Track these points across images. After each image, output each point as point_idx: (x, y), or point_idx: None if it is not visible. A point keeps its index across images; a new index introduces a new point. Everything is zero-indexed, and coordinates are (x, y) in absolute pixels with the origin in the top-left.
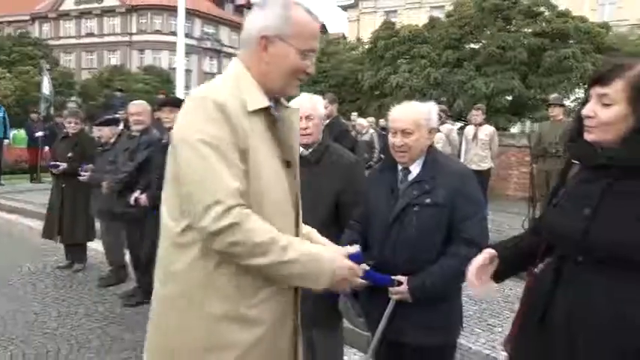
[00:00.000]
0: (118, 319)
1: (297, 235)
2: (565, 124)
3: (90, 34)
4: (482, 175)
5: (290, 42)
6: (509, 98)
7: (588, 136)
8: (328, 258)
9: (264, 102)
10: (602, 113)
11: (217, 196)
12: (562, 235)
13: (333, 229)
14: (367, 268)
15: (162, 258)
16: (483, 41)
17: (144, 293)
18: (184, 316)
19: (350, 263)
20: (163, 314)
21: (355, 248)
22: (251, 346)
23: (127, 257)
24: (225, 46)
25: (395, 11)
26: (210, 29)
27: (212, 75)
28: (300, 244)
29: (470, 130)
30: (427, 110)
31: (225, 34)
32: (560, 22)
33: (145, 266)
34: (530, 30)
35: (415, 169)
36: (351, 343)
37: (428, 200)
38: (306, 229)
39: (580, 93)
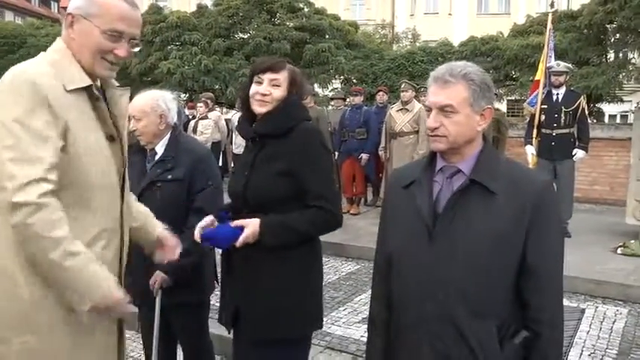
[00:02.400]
0: None
1: (122, 208)
2: None
3: None
4: None
5: (93, 21)
6: None
7: (260, 110)
8: (99, 284)
9: (83, 81)
10: (275, 93)
11: (32, 171)
12: (233, 193)
13: None
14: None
15: None
16: (251, 32)
17: None
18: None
19: (118, 296)
20: None
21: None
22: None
23: None
24: None
25: None
26: None
27: None
28: (85, 259)
29: (237, 117)
30: (154, 98)
31: None
32: (317, 19)
33: None
34: (292, 24)
35: (160, 150)
36: None
37: (170, 176)
38: (142, 208)
39: (336, 83)
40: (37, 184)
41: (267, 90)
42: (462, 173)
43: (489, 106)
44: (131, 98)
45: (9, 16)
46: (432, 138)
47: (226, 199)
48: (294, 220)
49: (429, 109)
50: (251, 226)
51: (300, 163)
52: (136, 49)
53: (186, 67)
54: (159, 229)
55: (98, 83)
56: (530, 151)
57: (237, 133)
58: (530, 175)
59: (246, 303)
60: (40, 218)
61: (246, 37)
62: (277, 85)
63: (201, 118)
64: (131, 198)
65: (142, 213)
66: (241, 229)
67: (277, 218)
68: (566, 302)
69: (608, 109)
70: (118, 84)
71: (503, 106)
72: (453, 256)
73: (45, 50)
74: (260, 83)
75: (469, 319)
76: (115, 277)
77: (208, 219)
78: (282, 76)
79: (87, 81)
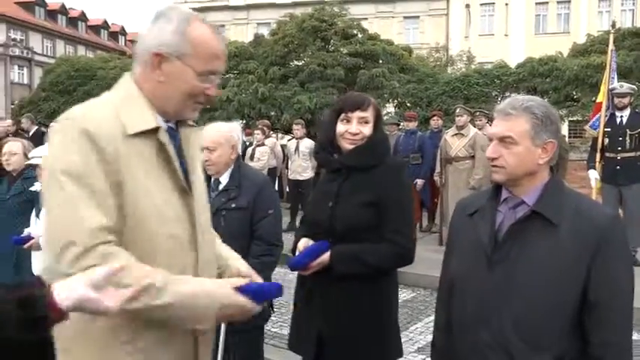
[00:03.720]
0: None
1: (197, 261)
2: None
3: None
4: (305, 184)
5: (187, 62)
6: None
7: (349, 147)
8: (210, 297)
9: (148, 123)
10: (365, 130)
11: (73, 236)
12: (316, 222)
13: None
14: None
15: None
16: (306, 59)
17: None
18: None
19: (241, 301)
20: None
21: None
22: None
23: None
24: (38, 54)
25: (223, 26)
26: (18, 35)
27: (21, 85)
28: (177, 284)
29: (292, 143)
30: (227, 129)
31: (36, 40)
32: (371, 45)
33: None
34: (346, 50)
35: (224, 180)
36: None
37: (234, 205)
38: (229, 255)
39: (390, 108)
40: (96, 246)
41: (357, 129)
42: (525, 204)
43: (552, 140)
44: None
45: (81, 50)
46: (492, 168)
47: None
48: (365, 252)
49: (490, 140)
50: (322, 258)
51: (387, 197)
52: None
53: (243, 95)
54: (243, 268)
55: (172, 124)
56: (594, 175)
57: (292, 159)
58: (597, 209)
59: (330, 333)
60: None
61: (300, 64)
62: (366, 122)
63: (258, 145)
64: (218, 247)
65: (222, 258)
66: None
67: (349, 248)
68: (636, 336)
69: None
70: (191, 122)
71: (564, 128)
72: (509, 286)
73: (113, 82)
74: (349, 121)
75: (523, 350)
76: (190, 350)
77: (304, 241)
78: (370, 113)
79: (151, 123)
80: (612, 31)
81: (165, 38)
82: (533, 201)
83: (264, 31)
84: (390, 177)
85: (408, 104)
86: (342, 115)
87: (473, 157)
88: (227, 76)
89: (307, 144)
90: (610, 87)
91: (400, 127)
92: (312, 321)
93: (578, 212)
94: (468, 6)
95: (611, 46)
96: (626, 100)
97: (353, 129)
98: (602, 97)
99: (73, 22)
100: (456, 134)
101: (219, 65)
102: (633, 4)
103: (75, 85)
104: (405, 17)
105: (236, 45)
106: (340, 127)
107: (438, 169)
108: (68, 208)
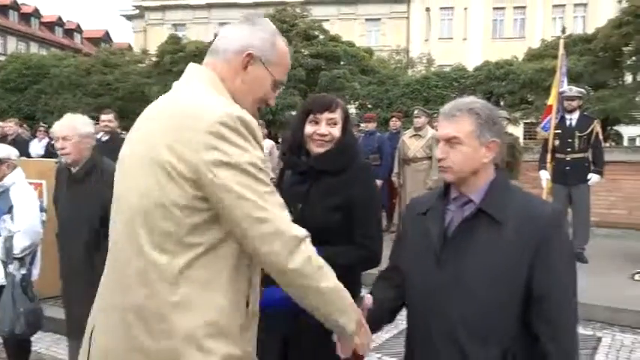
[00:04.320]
0: None
1: None
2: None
3: None
4: None
5: (270, 69)
6: (293, 113)
7: (319, 150)
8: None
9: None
10: (333, 132)
11: (284, 211)
12: None
13: (96, 251)
14: None
15: (149, 303)
16: None
17: None
18: None
19: (365, 323)
20: None
21: None
22: None
23: None
24: None
25: (183, 25)
26: None
27: None
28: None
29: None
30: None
31: (11, 44)
32: (332, 46)
33: None
34: (307, 51)
35: None
36: None
37: None
38: None
39: (352, 109)
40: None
41: (326, 130)
42: (472, 203)
43: (495, 140)
44: None
45: (34, 48)
46: (440, 169)
47: None
48: (335, 254)
49: (438, 142)
50: None
51: (356, 200)
52: None
53: None
54: None
55: None
56: (545, 176)
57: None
58: (541, 206)
59: (295, 335)
60: (313, 254)
61: None
62: (335, 124)
63: None
64: None
65: None
66: None
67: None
68: (581, 330)
69: (628, 131)
70: None
71: (519, 130)
72: (457, 283)
73: (67, 80)
74: (317, 123)
75: (471, 343)
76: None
77: None
78: (338, 115)
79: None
80: (562, 36)
81: (258, 42)
82: (479, 199)
83: None
84: (359, 180)
85: (369, 105)
86: (311, 117)
87: (430, 157)
88: None
89: (267, 145)
90: (560, 90)
91: (360, 128)
92: (276, 324)
93: (523, 210)
94: (428, 10)
95: (561, 51)
96: (575, 103)
97: (322, 130)
98: (552, 100)
99: (25, 18)
100: (413, 135)
101: (285, 79)
102: (584, 11)
103: (27, 83)
104: (366, 19)
105: (196, 44)
106: (308, 129)
107: (396, 169)
108: (277, 200)
